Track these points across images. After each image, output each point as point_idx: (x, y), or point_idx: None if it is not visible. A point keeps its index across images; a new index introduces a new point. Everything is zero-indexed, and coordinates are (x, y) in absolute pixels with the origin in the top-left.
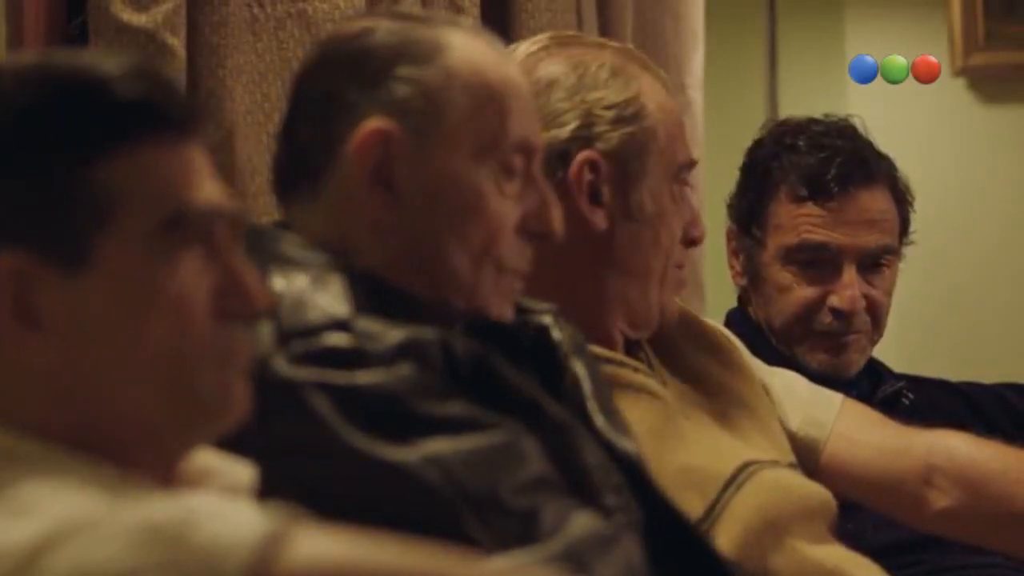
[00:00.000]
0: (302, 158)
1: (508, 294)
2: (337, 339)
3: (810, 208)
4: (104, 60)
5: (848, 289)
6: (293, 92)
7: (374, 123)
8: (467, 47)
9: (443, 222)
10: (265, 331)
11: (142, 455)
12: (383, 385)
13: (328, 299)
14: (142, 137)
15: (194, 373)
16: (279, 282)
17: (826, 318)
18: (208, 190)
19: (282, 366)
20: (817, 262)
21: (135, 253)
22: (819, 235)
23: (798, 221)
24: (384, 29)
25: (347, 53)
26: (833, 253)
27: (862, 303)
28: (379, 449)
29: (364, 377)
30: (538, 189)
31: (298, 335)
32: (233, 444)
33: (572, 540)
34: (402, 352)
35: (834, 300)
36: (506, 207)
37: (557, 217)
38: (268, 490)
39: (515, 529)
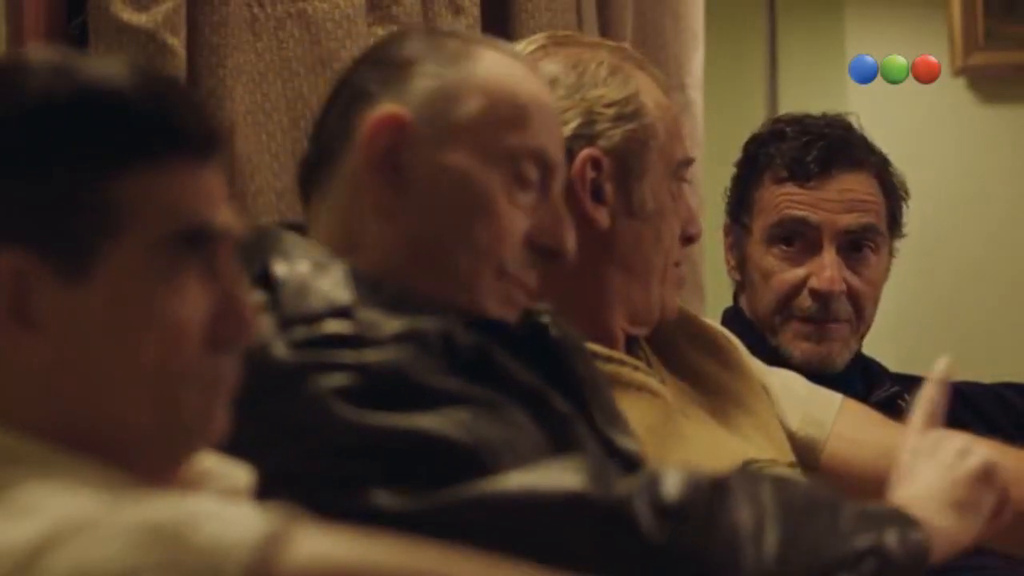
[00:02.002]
0: (325, 150)
1: (509, 301)
2: (338, 326)
3: (790, 187)
4: (132, 73)
5: (827, 270)
6: (328, 96)
7: (387, 108)
8: (496, 60)
9: (448, 216)
10: (266, 317)
11: (135, 461)
12: (390, 361)
13: (329, 284)
14: (160, 155)
15: (180, 394)
16: (281, 268)
17: (805, 302)
18: (220, 213)
19: (283, 351)
20: (798, 242)
21: (138, 269)
22: (798, 211)
23: (779, 200)
24: (418, 36)
25: (376, 53)
26: (813, 230)
27: (842, 286)
28: (389, 419)
29: (371, 355)
30: (554, 207)
31: (299, 321)
32: (235, 430)
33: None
34: (403, 339)
35: (813, 281)
36: (515, 215)
37: (571, 238)
38: (272, 476)
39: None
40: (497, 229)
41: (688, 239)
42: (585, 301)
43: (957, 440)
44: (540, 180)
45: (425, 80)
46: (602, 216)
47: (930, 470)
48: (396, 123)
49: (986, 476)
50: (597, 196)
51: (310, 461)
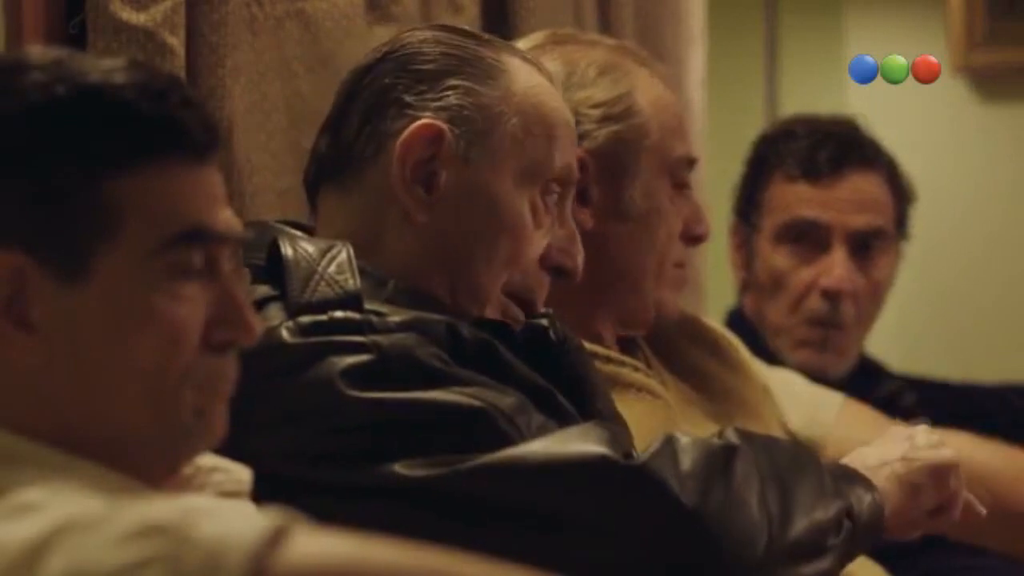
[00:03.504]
0: (346, 151)
1: (508, 316)
2: (346, 313)
3: (802, 186)
4: (132, 72)
5: (837, 268)
6: (344, 90)
7: (426, 120)
8: (525, 73)
9: (476, 232)
10: (274, 304)
11: (134, 462)
12: (400, 343)
13: (336, 270)
14: (159, 156)
15: (178, 396)
16: (287, 250)
17: (816, 302)
18: (219, 214)
19: (291, 335)
20: (808, 241)
21: (136, 270)
22: (809, 211)
23: (790, 199)
24: (448, 41)
25: (405, 57)
26: (823, 230)
27: (851, 285)
28: (400, 395)
29: (380, 338)
30: (568, 225)
31: (308, 308)
32: (246, 415)
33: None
34: (409, 327)
35: (823, 280)
36: (537, 238)
37: (582, 258)
38: (285, 457)
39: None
40: (519, 251)
41: (693, 239)
42: (571, 304)
43: (933, 434)
44: (560, 196)
45: (462, 96)
46: (586, 218)
47: (893, 445)
48: (435, 136)
49: (941, 473)
50: (582, 198)
51: (323, 440)
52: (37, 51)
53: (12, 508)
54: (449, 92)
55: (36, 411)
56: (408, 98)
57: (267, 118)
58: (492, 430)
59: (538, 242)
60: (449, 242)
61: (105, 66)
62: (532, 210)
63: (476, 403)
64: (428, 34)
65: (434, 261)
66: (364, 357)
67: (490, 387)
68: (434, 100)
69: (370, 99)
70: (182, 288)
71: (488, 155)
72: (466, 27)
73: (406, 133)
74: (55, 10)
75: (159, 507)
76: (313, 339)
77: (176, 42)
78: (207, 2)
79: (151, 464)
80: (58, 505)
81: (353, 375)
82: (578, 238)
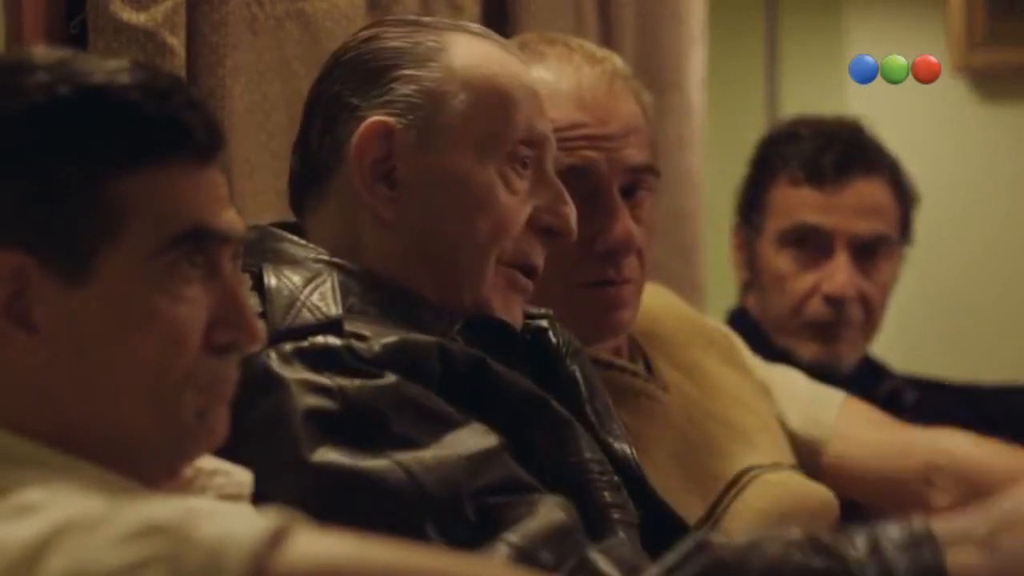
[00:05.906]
0: (313, 163)
1: (512, 288)
2: (327, 340)
3: (806, 191)
4: (135, 73)
5: (840, 274)
6: (306, 103)
7: (373, 119)
8: (468, 47)
9: (447, 216)
10: (260, 321)
11: (135, 462)
12: (366, 395)
13: (319, 298)
14: (162, 156)
15: (179, 397)
16: (271, 280)
17: (818, 307)
18: (221, 215)
19: (271, 362)
20: (811, 246)
21: (138, 271)
22: (813, 217)
23: (793, 204)
24: (389, 35)
25: (351, 60)
26: (826, 237)
27: (853, 291)
28: (345, 458)
29: (352, 383)
30: (550, 184)
31: (288, 334)
32: (238, 420)
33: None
34: (393, 355)
35: (826, 286)
36: (514, 203)
37: (572, 214)
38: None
39: (468, 536)
40: (498, 221)
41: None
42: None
43: None
44: (535, 157)
45: (405, 85)
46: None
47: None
48: (383, 132)
49: None
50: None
51: (272, 476)
52: (41, 51)
53: (12, 508)
54: (393, 85)
55: (37, 411)
56: (355, 100)
57: (267, 118)
58: (409, 521)
59: (518, 208)
60: (424, 234)
61: (108, 67)
62: (502, 179)
63: (405, 489)
64: (371, 32)
65: (413, 257)
66: (326, 403)
67: (448, 443)
68: (379, 97)
69: (326, 108)
70: (184, 289)
71: (442, 137)
72: (411, 16)
73: (355, 136)
74: (55, 10)
75: (159, 507)
76: (287, 370)
77: (176, 42)
78: (207, 2)
79: (152, 465)
80: (58, 505)
81: (312, 419)
82: (565, 196)
